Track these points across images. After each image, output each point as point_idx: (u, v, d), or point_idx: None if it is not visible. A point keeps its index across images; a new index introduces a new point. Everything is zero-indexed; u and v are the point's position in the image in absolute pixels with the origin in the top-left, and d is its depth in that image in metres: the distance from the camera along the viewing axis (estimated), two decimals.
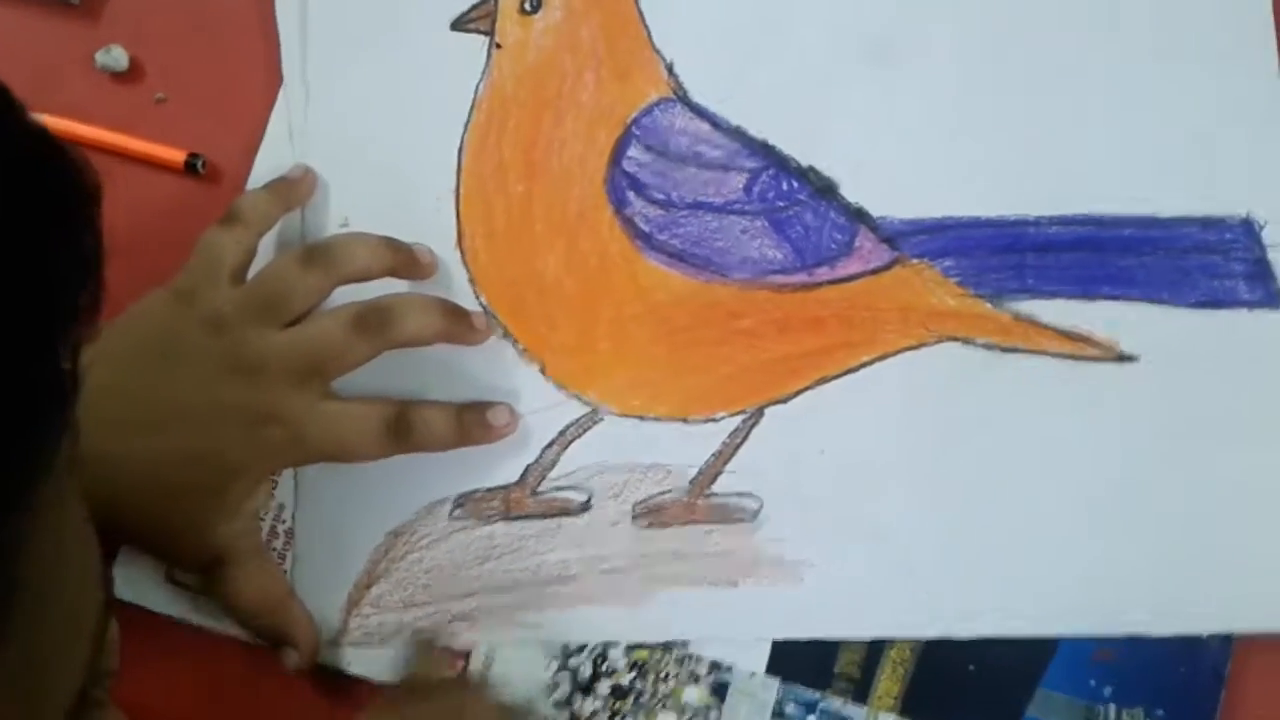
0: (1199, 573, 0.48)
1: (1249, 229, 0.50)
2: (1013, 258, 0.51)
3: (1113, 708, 0.49)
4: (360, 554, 0.51)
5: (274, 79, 0.54)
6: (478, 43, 0.54)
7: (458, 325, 0.50)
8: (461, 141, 0.53)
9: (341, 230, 0.53)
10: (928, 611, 0.49)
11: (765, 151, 0.52)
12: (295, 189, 0.52)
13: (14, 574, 0.24)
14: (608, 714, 0.50)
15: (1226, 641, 0.48)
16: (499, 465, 0.51)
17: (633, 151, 0.53)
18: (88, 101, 0.54)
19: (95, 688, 0.30)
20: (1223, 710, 0.48)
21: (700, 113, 0.53)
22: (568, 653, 0.50)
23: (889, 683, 0.49)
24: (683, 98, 0.53)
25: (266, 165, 0.54)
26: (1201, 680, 0.49)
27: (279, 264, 0.49)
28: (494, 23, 0.54)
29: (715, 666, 0.50)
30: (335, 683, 0.50)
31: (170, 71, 0.55)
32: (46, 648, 0.27)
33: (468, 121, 0.53)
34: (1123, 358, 0.50)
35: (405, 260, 0.51)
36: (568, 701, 0.50)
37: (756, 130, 0.52)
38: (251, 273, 0.50)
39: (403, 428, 0.49)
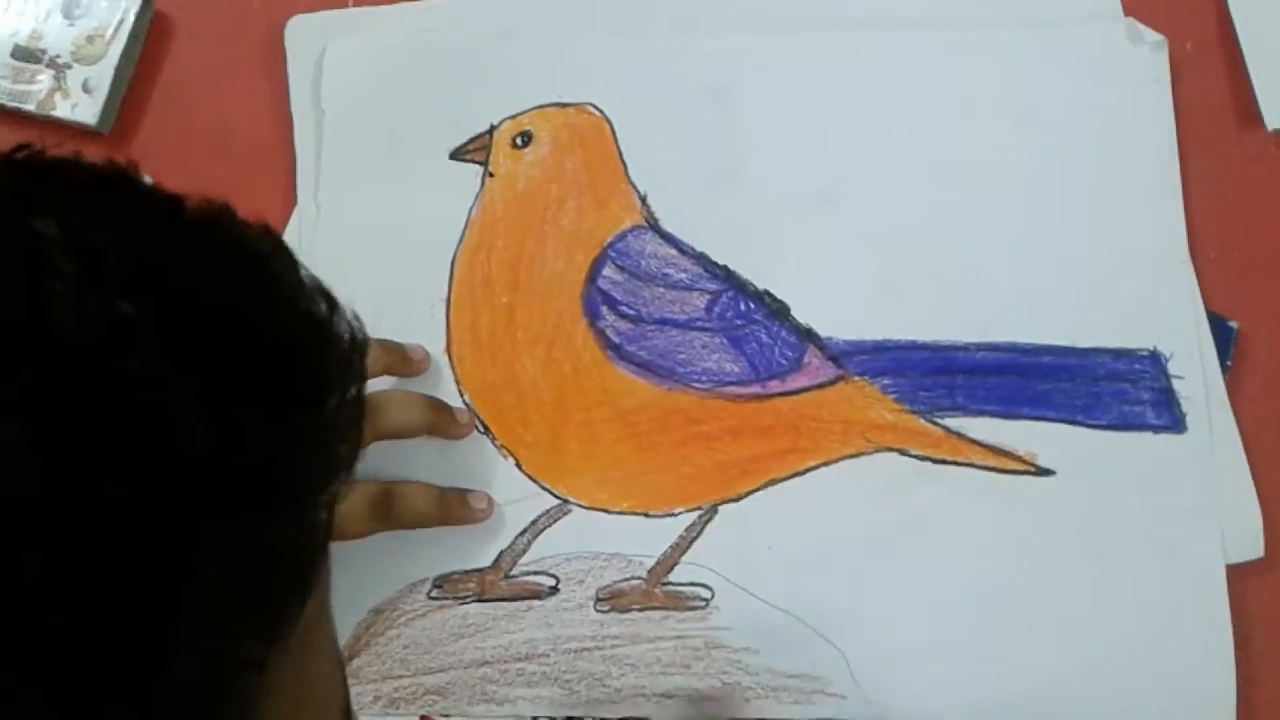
0: (1106, 672, 0.53)
1: (1156, 361, 0.56)
2: (945, 379, 0.57)
3: None
4: (344, 628, 0.55)
5: (289, 196, 0.60)
6: (473, 171, 0.60)
7: (441, 419, 0.55)
8: (454, 256, 0.59)
9: None
10: (863, 698, 0.53)
11: (725, 275, 0.58)
12: None
13: (262, 687, 0.27)
14: None
15: None
16: (475, 550, 0.56)
17: (607, 271, 0.59)
18: None
19: None
20: None
21: (669, 239, 0.59)
22: None
23: None
24: (654, 225, 0.59)
25: None
26: None
27: None
28: (488, 155, 0.60)
29: None
30: None
31: (193, 191, 0.61)
32: None
33: (460, 239, 0.59)
34: (1041, 471, 0.55)
35: (398, 359, 0.56)
36: None
37: (718, 256, 0.58)
38: None
39: (386, 504, 0.54)
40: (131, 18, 0.62)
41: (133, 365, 0.24)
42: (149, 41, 0.63)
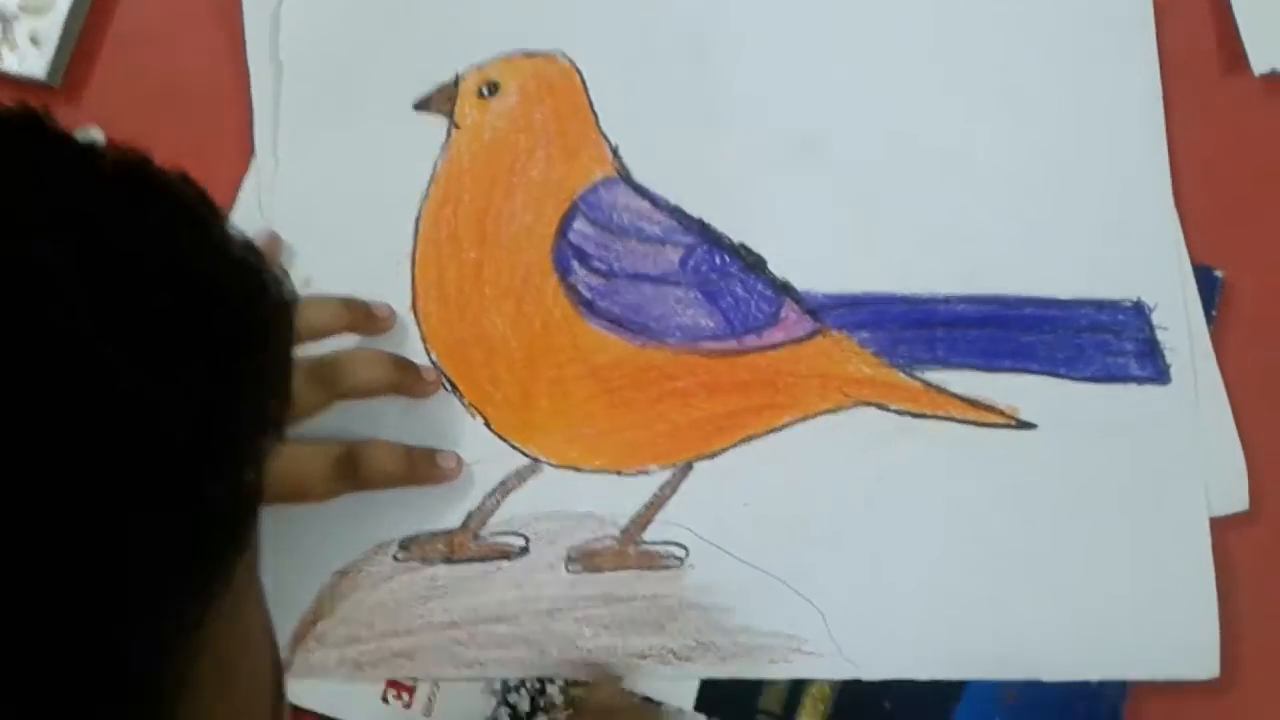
0: (1092, 623, 0.52)
1: (1140, 312, 0.55)
2: (924, 331, 0.55)
3: None
4: (308, 592, 0.54)
5: (246, 150, 0.58)
6: (438, 122, 0.58)
7: (407, 378, 0.54)
8: (420, 211, 0.57)
9: (304, 288, 0.57)
10: (841, 656, 0.52)
11: (700, 229, 0.57)
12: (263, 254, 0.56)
13: (196, 646, 0.26)
14: None
15: (1121, 685, 0.52)
16: (443, 510, 0.54)
17: (578, 224, 0.57)
18: None
19: None
20: None
21: (641, 191, 0.57)
22: (507, 688, 0.53)
23: (810, 716, 0.52)
24: (625, 177, 0.57)
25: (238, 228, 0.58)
26: (1099, 718, 0.52)
27: None
28: (454, 105, 0.58)
29: (647, 700, 0.53)
30: None
31: (145, 145, 0.59)
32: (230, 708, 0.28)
33: (426, 193, 0.57)
34: (1022, 425, 0.54)
35: (361, 317, 0.55)
36: None
37: (693, 209, 0.57)
38: None
39: (351, 465, 0.52)
40: None
41: (53, 311, 0.23)
42: None
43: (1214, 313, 0.55)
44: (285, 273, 0.28)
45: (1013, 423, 0.54)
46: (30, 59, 0.59)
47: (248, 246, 0.28)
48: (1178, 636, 0.52)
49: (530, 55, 0.59)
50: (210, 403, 0.25)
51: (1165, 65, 0.57)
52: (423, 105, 0.58)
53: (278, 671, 0.31)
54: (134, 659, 0.24)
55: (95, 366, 0.23)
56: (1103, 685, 0.52)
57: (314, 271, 0.57)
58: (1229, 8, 0.58)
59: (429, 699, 0.53)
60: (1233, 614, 0.52)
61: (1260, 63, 0.57)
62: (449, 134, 0.58)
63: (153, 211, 0.26)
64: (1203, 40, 0.58)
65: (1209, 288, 0.55)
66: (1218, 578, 0.52)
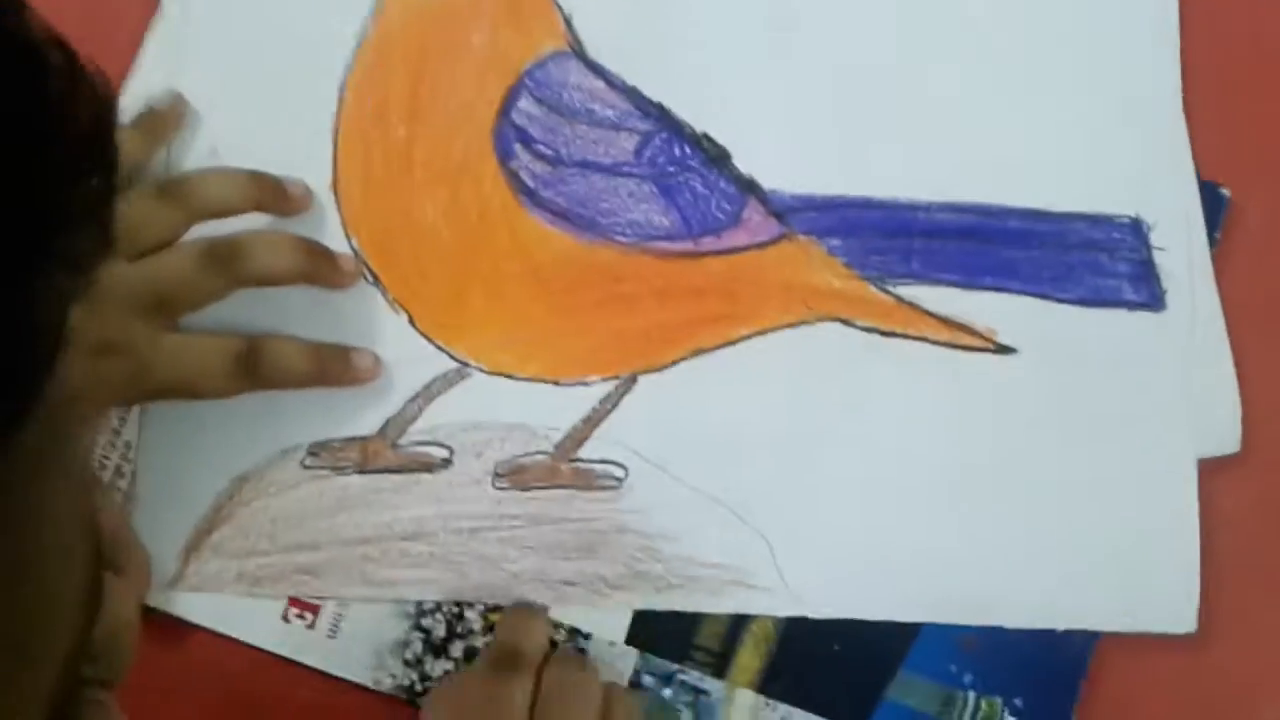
0: (1062, 568, 0.48)
1: (1137, 230, 0.50)
2: (900, 241, 0.50)
3: (972, 695, 0.48)
4: (204, 498, 0.49)
5: (151, 1, 0.52)
6: None
7: (320, 266, 0.48)
8: (344, 78, 0.51)
9: (209, 161, 0.51)
10: (788, 591, 0.48)
11: (659, 114, 0.51)
12: (164, 119, 0.50)
13: None
14: None
15: (1090, 635, 0.48)
16: (358, 415, 0.49)
17: (523, 103, 0.51)
18: None
19: (89, 687, 0.27)
20: (1081, 703, 0.48)
21: (596, 69, 0.51)
22: (421, 612, 0.48)
23: (749, 658, 0.48)
24: (579, 52, 0.51)
25: (139, 87, 0.51)
26: (1063, 672, 0.48)
27: (133, 197, 0.47)
28: None
29: (574, 633, 0.48)
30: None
31: None
32: (24, 601, 0.23)
33: (353, 58, 0.51)
34: (1001, 349, 0.49)
35: (272, 194, 0.49)
36: (419, 661, 0.48)
37: (652, 92, 0.51)
38: None
39: (253, 361, 0.47)
40: None
41: None
42: None
43: (1217, 235, 0.50)
44: (107, 80, 0.22)
45: (991, 346, 0.49)
46: None
47: (59, 45, 0.22)
48: (1154, 587, 0.48)
49: None
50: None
51: None
52: None
53: (95, 554, 0.26)
54: None
55: None
56: (1069, 635, 0.48)
57: (221, 142, 0.51)
58: None
59: (334, 620, 0.48)
60: (1214, 565, 0.48)
61: None
62: None
63: None
64: None
65: (1214, 207, 0.50)
66: (1201, 525, 0.48)
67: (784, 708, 0.48)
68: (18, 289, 0.21)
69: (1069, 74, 0.51)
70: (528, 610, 0.48)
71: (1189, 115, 0.51)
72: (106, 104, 0.23)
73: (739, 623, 0.48)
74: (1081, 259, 0.50)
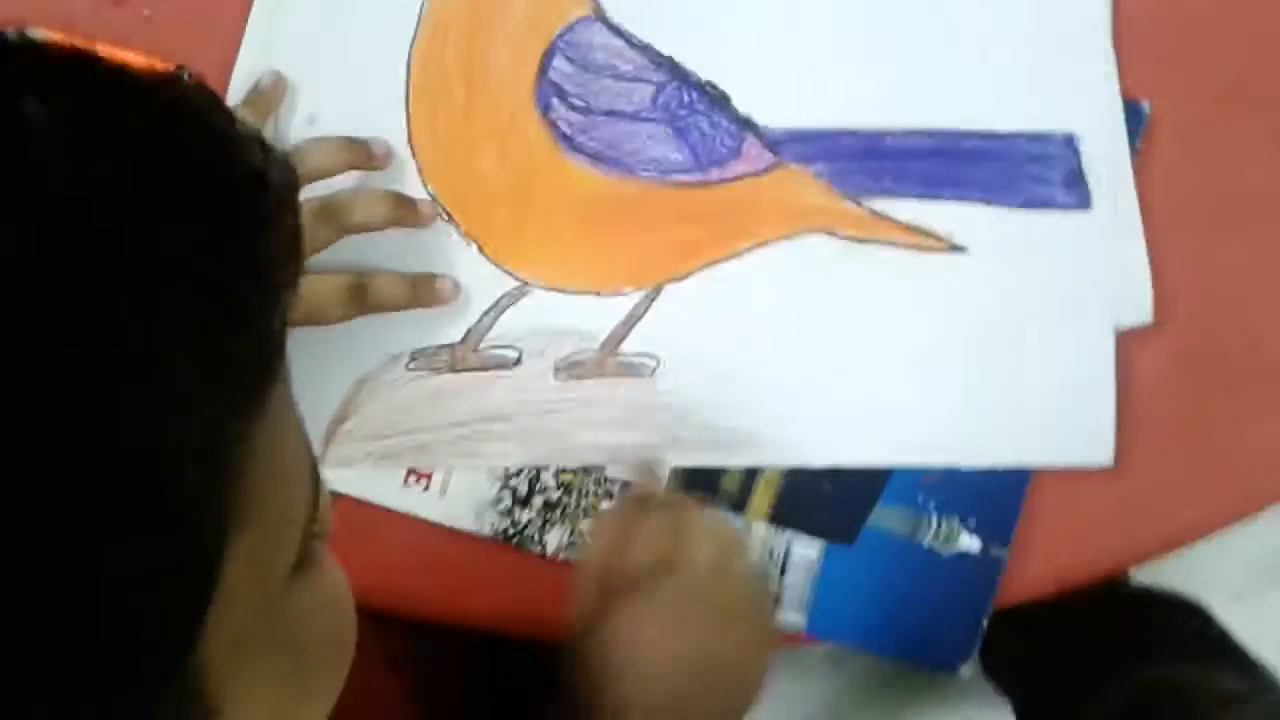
0: (1004, 417, 0.60)
1: (1069, 143, 0.60)
2: (872, 163, 0.61)
3: (935, 517, 0.61)
4: (335, 396, 0.63)
5: None
6: None
7: (407, 212, 0.60)
8: (410, 50, 0.62)
9: (308, 126, 0.62)
10: (789, 446, 0.61)
11: (670, 67, 0.61)
12: (269, 96, 0.61)
13: (247, 450, 0.31)
14: (540, 521, 0.63)
15: (1026, 471, 0.61)
16: (446, 327, 0.62)
17: (557, 63, 0.62)
18: (85, 20, 0.63)
19: (313, 542, 0.37)
20: (1021, 519, 0.60)
21: (616, 31, 0.61)
22: (509, 475, 0.63)
23: (762, 498, 0.62)
24: (601, 17, 0.61)
25: (245, 68, 0.63)
26: (1006, 497, 0.61)
27: None
28: None
29: (625, 485, 0.62)
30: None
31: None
32: (277, 505, 0.34)
33: (415, 35, 0.62)
34: (955, 249, 0.60)
35: (362, 155, 0.61)
36: (509, 512, 0.63)
37: (663, 47, 0.61)
38: None
39: (361, 292, 0.60)
40: None
41: (110, 216, 0.29)
42: None
43: (1137, 144, 0.60)
44: (289, 159, 0.33)
45: (947, 246, 0.60)
46: None
47: (257, 140, 0.32)
48: (1079, 428, 0.60)
49: None
50: (229, 270, 0.31)
51: None
52: None
53: (313, 461, 0.38)
54: (187, 473, 0.30)
55: (147, 251, 0.29)
56: (1012, 472, 0.61)
57: (318, 109, 0.63)
58: None
59: (443, 482, 0.63)
60: (1130, 413, 0.60)
61: None
62: None
63: (181, 127, 0.31)
64: None
65: (1135, 120, 0.60)
66: (1120, 382, 0.60)
67: (790, 533, 0.62)
68: (268, 316, 0.32)
69: (1016, 15, 0.60)
70: (650, 464, 0.61)
71: (1116, 43, 0.59)
72: (295, 187, 0.34)
73: (752, 472, 0.62)
74: (1024, 170, 0.60)
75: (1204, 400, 0.61)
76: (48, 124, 0.29)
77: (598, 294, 0.62)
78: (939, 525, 0.61)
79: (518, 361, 0.62)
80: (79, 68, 0.32)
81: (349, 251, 0.60)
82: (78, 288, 0.28)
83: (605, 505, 0.62)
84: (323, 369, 0.63)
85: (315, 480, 0.39)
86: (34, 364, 0.27)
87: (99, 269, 0.29)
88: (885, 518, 0.62)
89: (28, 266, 0.28)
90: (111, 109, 0.31)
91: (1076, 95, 0.60)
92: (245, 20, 0.63)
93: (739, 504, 0.62)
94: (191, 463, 0.30)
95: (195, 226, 0.31)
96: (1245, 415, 0.60)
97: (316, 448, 0.62)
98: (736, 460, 0.62)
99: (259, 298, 0.33)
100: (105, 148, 0.29)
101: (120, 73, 0.32)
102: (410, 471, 0.63)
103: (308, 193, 0.60)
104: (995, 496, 0.61)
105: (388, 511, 0.63)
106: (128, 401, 0.29)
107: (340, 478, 0.63)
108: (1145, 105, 0.60)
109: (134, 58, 0.33)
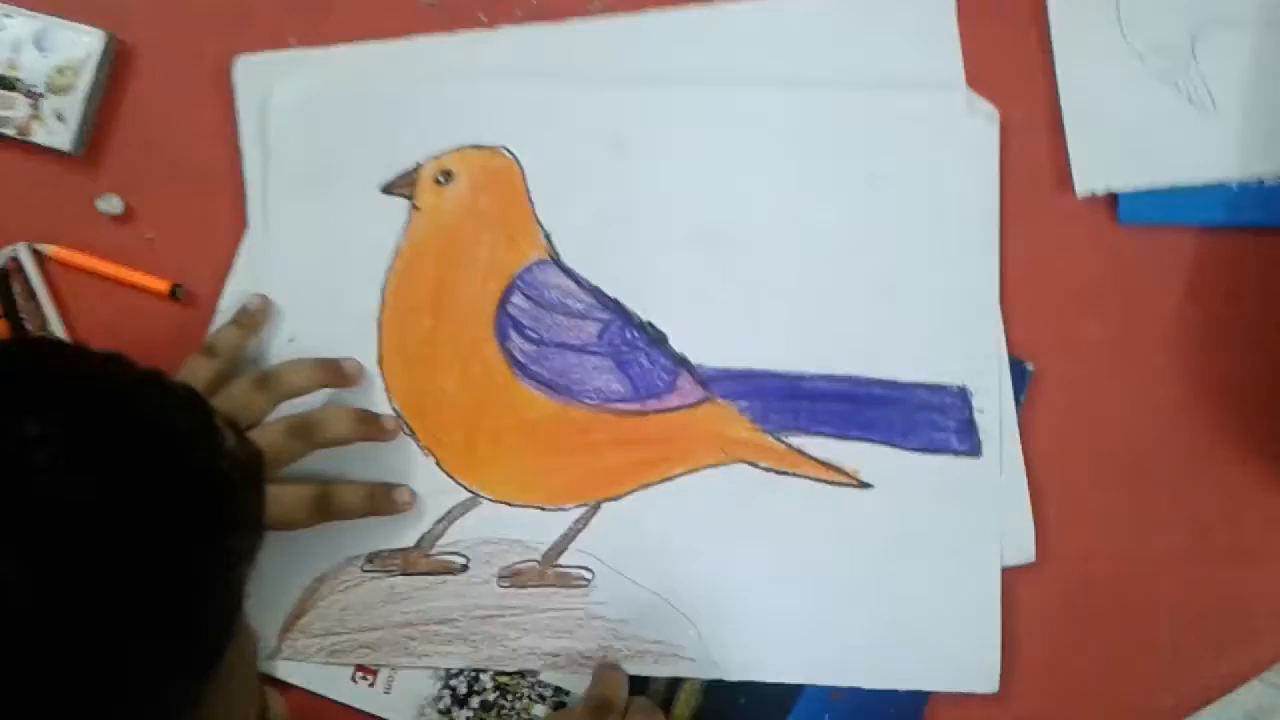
0: (901, 645, 0.67)
1: (963, 396, 0.68)
2: (791, 403, 0.68)
3: None
4: (294, 593, 0.68)
5: (241, 222, 0.70)
6: (402, 204, 0.69)
7: (371, 428, 0.67)
8: (385, 281, 0.69)
9: (288, 343, 0.69)
10: (709, 660, 0.67)
11: (615, 307, 0.69)
12: (255, 317, 0.68)
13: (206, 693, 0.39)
14: None
15: (925, 693, 0.67)
16: (400, 532, 0.68)
17: (515, 299, 0.69)
18: (91, 238, 0.69)
19: None
20: None
21: (568, 273, 0.69)
22: (449, 675, 0.68)
23: (683, 707, 0.68)
24: (556, 260, 0.69)
25: (234, 290, 0.69)
26: (905, 716, 0.67)
27: (237, 385, 0.65)
28: (414, 190, 0.69)
29: (558, 690, 0.68)
30: None
31: (157, 216, 0.70)
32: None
33: (391, 266, 0.69)
34: (862, 484, 0.68)
35: (334, 374, 0.67)
36: (448, 711, 0.68)
37: (610, 290, 0.69)
38: None
39: (324, 501, 0.65)
40: (97, 53, 0.69)
41: (103, 528, 0.36)
42: (113, 74, 0.70)
43: (1022, 399, 0.68)
44: (261, 457, 0.41)
45: (855, 482, 0.68)
46: (57, 134, 0.69)
47: (231, 456, 0.40)
48: (969, 657, 0.67)
49: (480, 148, 0.69)
50: (202, 565, 0.38)
51: (1006, 180, 0.68)
52: (388, 189, 0.69)
53: (258, 681, 0.46)
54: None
55: (135, 555, 0.36)
56: (910, 693, 0.67)
57: (298, 329, 0.69)
58: (1064, 133, 0.69)
59: (388, 680, 0.68)
60: (1014, 643, 0.67)
61: (1083, 184, 0.68)
62: (410, 214, 0.69)
63: (170, 447, 0.39)
64: (1040, 160, 0.69)
65: (1020, 378, 0.68)
66: (1005, 614, 0.66)
67: None
68: (219, 592, 0.39)
69: (914, 275, 0.68)
70: (615, 668, 0.66)
71: (1004, 304, 0.68)
72: (261, 480, 0.42)
73: (675, 682, 0.68)
74: (923, 418, 0.68)
75: (1080, 633, 0.67)
76: (43, 445, 0.36)
77: (542, 508, 0.68)
78: None
79: (465, 568, 0.68)
80: (75, 389, 0.38)
81: (316, 456, 0.66)
82: (55, 605, 0.34)
83: (538, 709, 0.67)
84: (285, 566, 0.68)
85: (262, 693, 0.45)
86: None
87: (77, 588, 0.35)
88: None
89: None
90: (101, 429, 0.37)
91: (969, 352, 0.68)
92: (237, 247, 0.70)
93: (664, 706, 0.68)
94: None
95: (168, 537, 0.37)
96: (1117, 647, 0.67)
97: (271, 640, 0.68)
98: (661, 671, 0.67)
99: (224, 584, 0.39)
100: (95, 465, 0.36)
101: (109, 391, 0.39)
102: (358, 668, 0.68)
103: (283, 409, 0.66)
104: (895, 716, 0.67)
105: (338, 705, 0.67)
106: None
107: (293, 670, 0.68)
108: (1030, 366, 0.68)
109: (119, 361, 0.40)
